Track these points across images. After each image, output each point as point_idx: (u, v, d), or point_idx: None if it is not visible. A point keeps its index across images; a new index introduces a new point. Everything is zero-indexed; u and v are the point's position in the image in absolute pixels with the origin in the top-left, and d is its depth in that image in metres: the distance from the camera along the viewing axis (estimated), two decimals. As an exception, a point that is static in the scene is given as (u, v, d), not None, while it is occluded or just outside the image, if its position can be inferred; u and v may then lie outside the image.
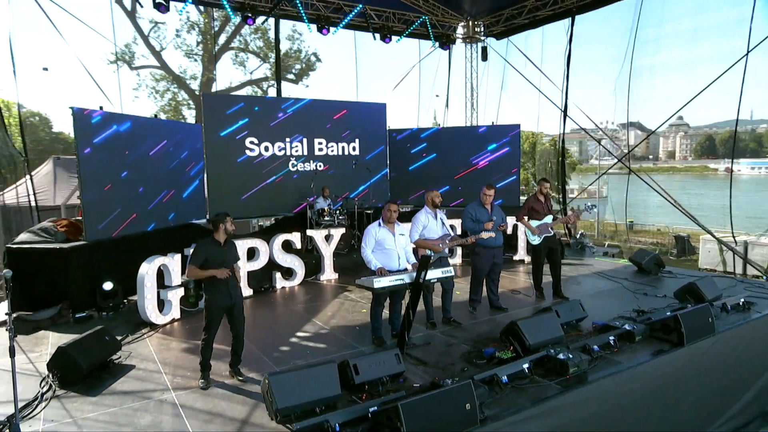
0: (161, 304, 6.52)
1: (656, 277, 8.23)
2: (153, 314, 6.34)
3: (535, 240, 6.94)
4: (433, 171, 12.00)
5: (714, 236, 10.91)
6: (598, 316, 5.90)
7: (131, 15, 21.99)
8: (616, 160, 12.77)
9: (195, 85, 22.44)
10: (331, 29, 12.14)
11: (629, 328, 5.33)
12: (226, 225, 4.54)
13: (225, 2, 10.83)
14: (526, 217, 6.97)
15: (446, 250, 5.99)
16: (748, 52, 8.75)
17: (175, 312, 6.60)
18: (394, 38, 12.84)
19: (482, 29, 13.89)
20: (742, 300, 6.21)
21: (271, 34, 25.14)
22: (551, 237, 6.96)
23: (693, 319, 5.25)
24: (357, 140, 11.81)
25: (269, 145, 10.80)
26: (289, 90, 25.26)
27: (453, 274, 5.47)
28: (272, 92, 24.51)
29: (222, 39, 24.02)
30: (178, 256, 6.72)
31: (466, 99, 14.37)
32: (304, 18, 11.73)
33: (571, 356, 4.60)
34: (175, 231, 8.57)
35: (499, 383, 4.33)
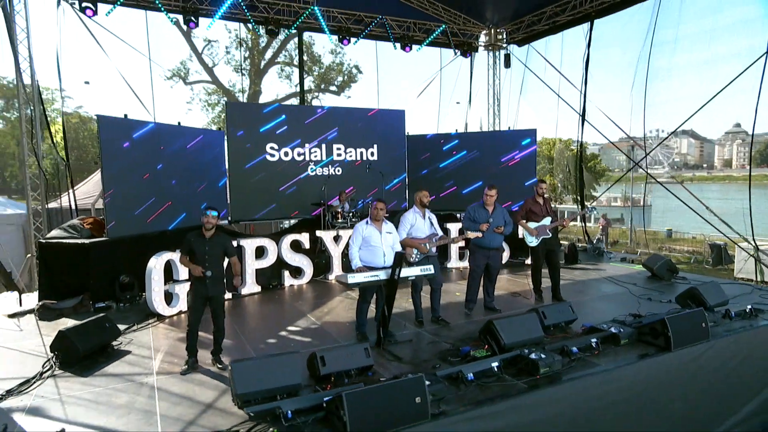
0: (169, 297, 6.93)
1: (668, 283, 7.90)
2: (160, 306, 6.74)
3: (533, 242, 6.86)
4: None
5: (739, 245, 10.30)
6: (594, 320, 5.76)
7: (187, 35, 23.40)
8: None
9: (243, 98, 23.53)
10: (352, 40, 12.46)
11: (615, 331, 5.19)
12: (202, 219, 4.84)
13: (249, 17, 11.39)
14: (523, 219, 6.92)
15: (433, 250, 6.03)
16: (768, 51, 8.27)
17: (182, 305, 6.96)
18: (415, 47, 13.00)
19: (504, 36, 13.82)
20: (749, 307, 5.88)
21: (315, 49, 26.23)
22: (549, 239, 6.86)
23: (683, 324, 5.05)
24: (375, 146, 11.99)
25: (289, 150, 11.17)
26: (331, 101, 26.17)
27: (433, 272, 5.50)
28: (315, 103, 25.47)
29: (268, 54, 25.15)
30: (185, 252, 7.11)
31: (489, 105, 14.27)
32: (326, 30, 12.12)
33: (543, 356, 4.55)
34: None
35: (464, 380, 4.33)
